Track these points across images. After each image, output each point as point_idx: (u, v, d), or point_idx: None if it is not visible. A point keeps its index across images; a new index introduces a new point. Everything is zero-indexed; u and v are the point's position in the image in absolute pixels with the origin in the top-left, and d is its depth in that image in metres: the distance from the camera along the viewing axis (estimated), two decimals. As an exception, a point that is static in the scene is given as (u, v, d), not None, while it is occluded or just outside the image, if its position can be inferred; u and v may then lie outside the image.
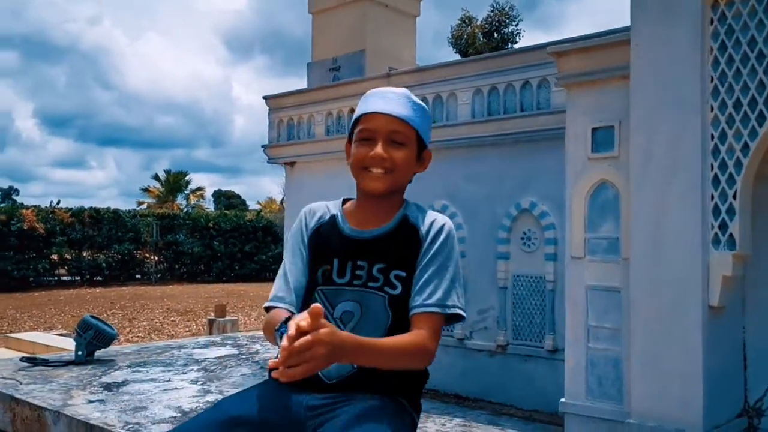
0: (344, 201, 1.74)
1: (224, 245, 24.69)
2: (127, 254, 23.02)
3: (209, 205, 37.77)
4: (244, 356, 4.26)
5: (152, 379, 3.51)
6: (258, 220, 26.11)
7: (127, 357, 4.13)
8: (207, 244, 24.31)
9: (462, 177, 3.12)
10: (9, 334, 10.48)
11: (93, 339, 3.87)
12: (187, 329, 13.27)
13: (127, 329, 13.78)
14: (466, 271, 3.08)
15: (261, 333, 5.80)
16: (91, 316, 4.00)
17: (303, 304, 1.72)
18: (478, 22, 24.72)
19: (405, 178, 1.62)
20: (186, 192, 35.77)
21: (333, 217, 1.73)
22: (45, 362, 3.79)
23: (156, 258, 24.35)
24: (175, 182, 35.22)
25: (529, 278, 2.94)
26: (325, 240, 1.71)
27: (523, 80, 2.94)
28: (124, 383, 3.39)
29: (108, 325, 4.05)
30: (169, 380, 3.50)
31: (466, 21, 24.95)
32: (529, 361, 2.92)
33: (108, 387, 3.30)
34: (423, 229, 1.61)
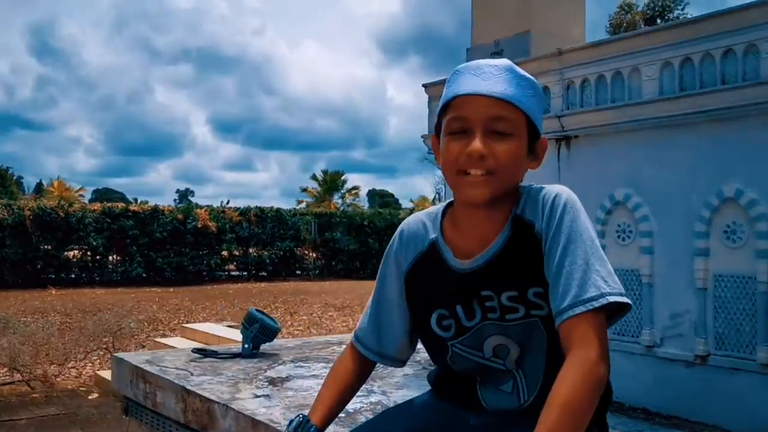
0: (447, 207, 1.43)
1: (378, 243, 25.15)
2: (288, 251, 24.10)
3: (363, 204, 38.68)
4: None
5: (314, 376, 3.46)
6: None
7: (290, 352, 4.14)
8: (362, 242, 24.88)
9: (648, 162, 2.75)
10: (185, 325, 11.25)
11: (258, 332, 3.91)
12: (344, 324, 13.58)
13: (289, 323, 14.34)
14: (655, 269, 2.72)
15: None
16: (257, 310, 4.05)
17: (435, 354, 1.48)
18: (639, 9, 23.22)
19: (514, 178, 1.29)
20: (342, 191, 36.91)
21: (433, 245, 1.43)
22: (215, 354, 3.88)
23: (314, 255, 25.27)
24: (331, 182, 36.47)
25: (735, 278, 2.52)
26: (429, 281, 1.43)
27: (724, 48, 2.52)
28: (288, 378, 3.37)
29: (272, 319, 4.08)
30: (331, 377, 3.44)
31: (626, 8, 23.54)
32: (736, 375, 2.51)
33: (273, 382, 3.28)
34: (537, 222, 1.29)
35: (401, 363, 1.57)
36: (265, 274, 23.94)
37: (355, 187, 37.68)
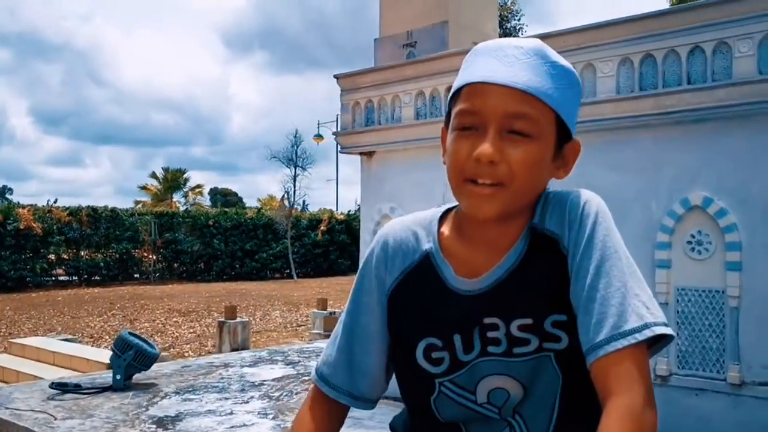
0: (444, 215, 1.17)
1: (224, 243, 24.47)
2: (126, 253, 22.58)
3: (206, 203, 37.28)
4: (305, 377, 3.67)
5: (210, 411, 2.92)
6: (258, 218, 25.87)
7: (170, 380, 3.54)
8: (207, 243, 24.09)
9: (604, 167, 2.54)
10: (12, 340, 9.89)
11: (133, 360, 3.27)
12: (191, 330, 12.78)
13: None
14: (612, 283, 2.51)
15: (305, 345, 5.22)
16: (130, 333, 3.40)
17: (415, 395, 1.20)
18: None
19: (532, 190, 1.04)
20: (184, 190, 35.26)
21: (427, 259, 1.16)
22: (77, 389, 3.19)
23: (154, 257, 23.97)
24: (173, 180, 34.73)
25: (700, 292, 2.37)
26: (420, 302, 1.16)
27: (691, 45, 2.36)
28: (178, 417, 2.80)
29: (148, 342, 3.46)
30: (231, 413, 2.92)
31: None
32: (701, 396, 2.35)
33: (161, 422, 2.71)
34: (563, 235, 1.06)
35: (373, 404, 1.24)
36: (99, 278, 22.20)
37: (198, 186, 36.16)
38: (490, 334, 1.07)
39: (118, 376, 3.27)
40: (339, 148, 3.35)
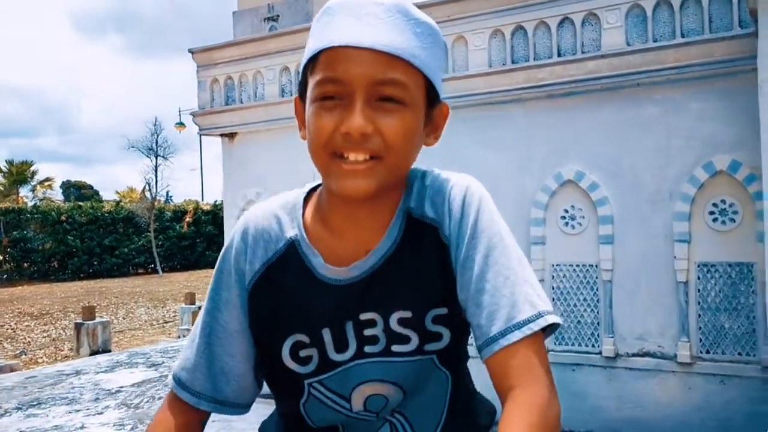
0: (308, 196, 1.07)
1: (80, 239, 23.15)
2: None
3: (59, 197, 34.89)
4: (167, 380, 3.39)
5: (57, 427, 2.59)
6: (117, 211, 24.67)
7: (12, 394, 3.13)
8: (60, 239, 22.70)
9: (476, 143, 2.47)
10: None
11: (-37, 376, 2.85)
12: (45, 334, 11.92)
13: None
14: (490, 262, 2.45)
15: (171, 343, 4.89)
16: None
17: (284, 397, 1.10)
18: None
19: (407, 162, 0.95)
20: (32, 184, 32.87)
21: (291, 247, 1.04)
22: None
23: (1, 257, 22.24)
24: (18, 174, 32.30)
25: (575, 267, 2.36)
26: (286, 295, 1.05)
27: (560, 16, 2.33)
28: (19, 438, 2.46)
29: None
30: (82, 427, 2.60)
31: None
32: (578, 370, 2.35)
33: (-3, 447, 2.36)
34: (445, 223, 0.98)
35: (244, 408, 1.13)
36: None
37: (48, 179, 33.77)
38: (368, 332, 0.99)
39: (-56, 396, 2.84)
40: (198, 130, 3.08)
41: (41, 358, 9.62)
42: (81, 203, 26.45)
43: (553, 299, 2.39)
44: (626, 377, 2.28)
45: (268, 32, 3.28)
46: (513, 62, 2.40)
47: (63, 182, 43.80)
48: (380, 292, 0.97)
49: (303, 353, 1.02)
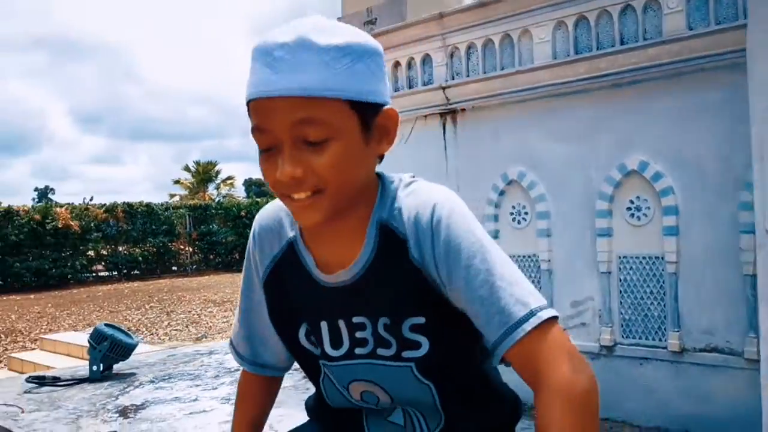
0: None
1: (259, 233, 24.71)
2: (162, 247, 23.05)
3: (240, 194, 37.66)
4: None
5: (177, 399, 2.96)
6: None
7: (151, 369, 3.60)
8: (240, 233, 24.39)
9: (543, 136, 2.47)
10: (45, 336, 10.22)
11: (109, 351, 3.34)
12: (225, 320, 13.01)
13: (166, 323, 13.51)
14: (554, 253, 2.45)
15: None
16: (107, 324, 3.47)
17: (309, 374, 1.19)
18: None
19: (355, 183, 0.98)
20: (216, 182, 35.70)
21: (291, 248, 1.14)
22: (55, 381, 3.28)
23: (191, 249, 24.39)
24: (205, 173, 35.21)
25: (642, 259, 2.29)
26: (291, 290, 1.16)
27: (622, 3, 2.27)
28: (143, 406, 2.85)
29: (126, 333, 3.52)
30: (196, 399, 2.95)
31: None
32: (645, 365, 2.29)
33: (124, 412, 2.76)
34: (411, 238, 1.00)
35: (282, 371, 1.27)
36: (138, 272, 22.73)
37: (230, 177, 36.56)
38: (359, 334, 1.06)
39: (95, 367, 3.34)
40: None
41: (218, 341, 10.58)
42: (259, 199, 28.38)
43: (620, 291, 2.33)
44: (693, 372, 2.17)
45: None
46: (576, 53, 2.38)
47: (245, 180, 47.30)
48: (365, 299, 1.02)
49: (313, 338, 1.10)
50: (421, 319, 1.00)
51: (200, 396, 3.01)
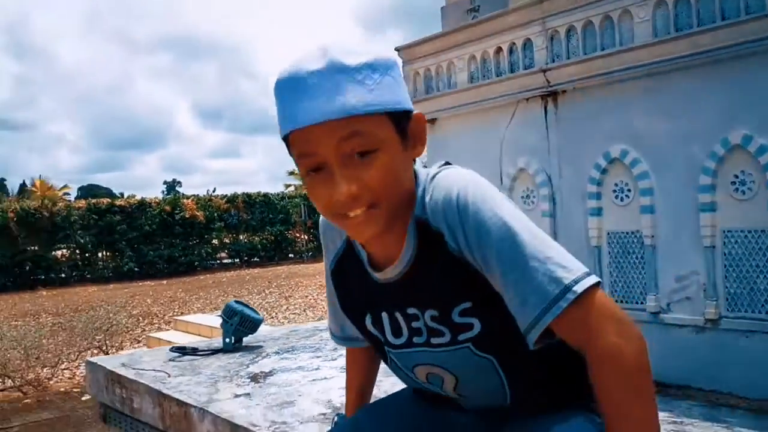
0: None
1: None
2: (279, 235, 24.01)
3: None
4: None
5: (300, 368, 3.25)
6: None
7: (276, 342, 3.92)
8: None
9: (644, 113, 2.51)
10: (178, 318, 11.06)
11: (239, 325, 3.69)
12: (340, 304, 13.45)
13: (284, 307, 14.19)
14: (658, 229, 2.50)
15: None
16: (236, 302, 3.82)
17: (380, 357, 1.28)
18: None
19: (401, 193, 1.01)
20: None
21: (349, 243, 1.19)
22: (194, 351, 3.66)
23: (306, 237, 25.19)
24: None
25: (747, 233, 2.30)
26: (354, 282, 1.21)
27: (722, -22, 2.28)
28: (271, 373, 3.15)
29: (253, 310, 3.86)
30: (317, 368, 3.22)
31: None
32: (751, 337, 2.30)
33: (255, 378, 3.07)
34: (446, 232, 1.02)
35: (365, 342, 1.36)
36: (258, 259, 23.86)
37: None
38: (414, 324, 1.11)
39: (227, 340, 3.69)
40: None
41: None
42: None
43: (725, 266, 2.35)
44: (801, 346, 2.16)
45: (469, 22, 3.58)
46: (677, 30, 2.40)
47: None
48: (413, 293, 1.08)
49: (378, 327, 1.19)
50: (468, 304, 1.04)
51: (321, 366, 3.27)
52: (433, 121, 3.33)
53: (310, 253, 24.93)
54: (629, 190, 2.55)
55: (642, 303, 2.54)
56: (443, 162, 1.08)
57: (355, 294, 1.21)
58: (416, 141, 1.03)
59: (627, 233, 2.55)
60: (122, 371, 3.27)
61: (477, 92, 3.09)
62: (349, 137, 0.93)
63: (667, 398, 2.37)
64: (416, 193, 1.04)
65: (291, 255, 24.99)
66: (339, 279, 1.25)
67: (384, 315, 1.15)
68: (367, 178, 0.95)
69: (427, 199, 1.03)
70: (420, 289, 1.07)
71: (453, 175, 1.03)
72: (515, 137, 2.95)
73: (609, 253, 2.55)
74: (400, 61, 3.51)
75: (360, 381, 1.42)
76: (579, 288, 0.92)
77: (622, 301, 2.57)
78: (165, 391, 2.89)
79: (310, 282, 17.76)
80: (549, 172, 2.77)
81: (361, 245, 1.15)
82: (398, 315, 1.13)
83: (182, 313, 12.82)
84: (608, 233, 2.55)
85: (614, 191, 2.60)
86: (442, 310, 1.07)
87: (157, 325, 12.79)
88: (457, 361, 1.10)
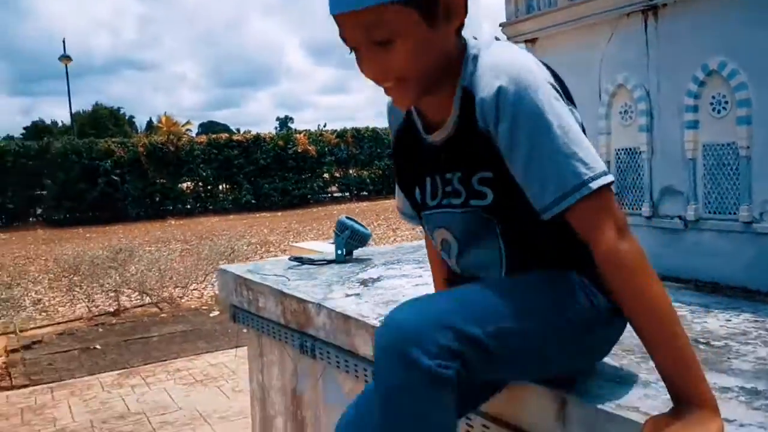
0: None
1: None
2: (387, 169, 24.37)
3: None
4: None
5: (404, 275, 3.53)
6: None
7: (383, 256, 4.23)
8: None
9: (744, 25, 2.51)
10: (293, 244, 11.73)
11: (349, 238, 4.01)
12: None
13: (392, 238, 14.62)
14: (754, 140, 2.53)
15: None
16: (347, 217, 4.14)
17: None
18: None
19: (432, 66, 1.11)
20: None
21: (409, 115, 1.34)
22: (310, 261, 4.02)
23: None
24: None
25: None
26: (408, 151, 1.36)
27: None
28: (378, 279, 3.46)
29: (362, 225, 4.16)
30: (420, 276, 3.49)
31: None
32: None
33: (364, 282, 3.38)
34: (478, 106, 1.11)
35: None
36: (366, 193, 24.43)
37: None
38: (446, 188, 1.27)
39: (339, 252, 4.03)
40: (506, 38, 3.60)
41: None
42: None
43: (822, 175, 2.36)
44: None
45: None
46: (781, -64, 2.36)
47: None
48: (451, 156, 1.24)
49: (417, 194, 1.40)
50: (489, 173, 1.18)
51: (423, 274, 3.54)
52: (534, 41, 3.41)
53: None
54: (726, 102, 2.58)
55: (735, 213, 2.60)
56: (495, 36, 1.20)
57: (410, 162, 1.38)
58: (449, 13, 1.09)
59: (722, 145, 2.60)
60: (248, 276, 3.68)
61: (577, 10, 3.14)
62: (367, 27, 1.05)
63: (755, 303, 2.45)
64: (463, 62, 1.15)
65: (399, 189, 25.37)
66: (397, 153, 1.43)
67: (428, 179, 1.33)
68: (387, 64, 1.09)
69: (476, 70, 1.12)
70: (456, 153, 1.22)
71: (506, 57, 1.11)
72: (615, 54, 3.00)
73: (704, 165, 2.62)
74: (501, -17, 3.59)
75: (441, 269, 1.61)
76: (594, 185, 1.06)
77: (715, 212, 2.64)
78: (286, 291, 3.26)
79: (418, 215, 17.99)
80: (647, 87, 2.82)
81: (416, 112, 1.31)
82: (438, 178, 1.30)
83: (297, 242, 13.53)
84: (704, 145, 2.61)
85: (711, 104, 2.64)
86: (465, 173, 1.22)
87: (273, 253, 13.61)
88: (464, 224, 1.25)
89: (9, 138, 32.16)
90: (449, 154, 1.24)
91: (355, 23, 1.06)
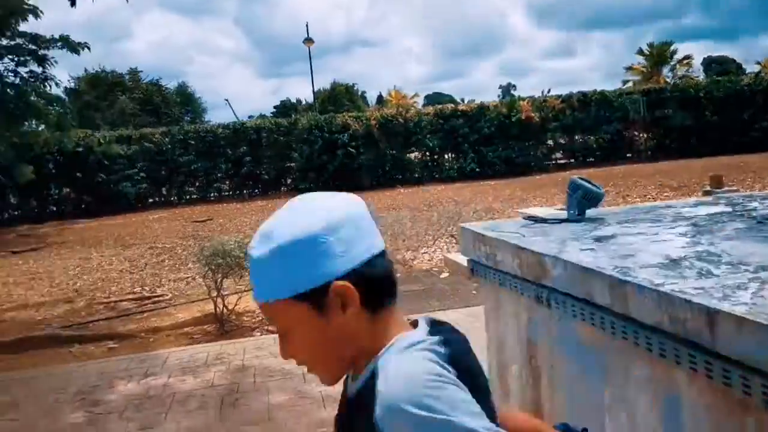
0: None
1: (716, 115, 22.93)
2: (616, 134, 23.37)
3: (698, 75, 35.04)
4: (738, 213, 3.98)
5: (640, 233, 3.60)
6: (756, 84, 23.33)
7: (617, 216, 4.30)
8: (697, 116, 23.02)
9: None
10: (519, 210, 11.90)
11: (582, 198, 4.14)
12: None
13: (621, 205, 14.14)
14: None
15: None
16: (579, 177, 4.27)
17: None
18: None
19: (332, 352, 1.08)
20: (672, 63, 33.88)
21: None
22: (543, 220, 4.24)
23: (645, 135, 24.11)
24: (659, 55, 33.71)
25: None
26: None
27: None
28: (613, 236, 3.57)
29: (595, 185, 4.27)
30: (656, 233, 3.55)
31: None
32: None
33: (598, 239, 3.53)
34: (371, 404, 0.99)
35: None
36: (593, 159, 23.66)
37: (687, 57, 34.12)
38: None
39: (572, 211, 4.19)
40: None
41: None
42: (719, 78, 26.14)
43: None
44: None
45: None
46: None
47: (704, 59, 43.49)
48: (347, 421, 1.12)
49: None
50: None
51: (660, 232, 3.59)
52: None
53: (649, 152, 23.84)
54: None
55: None
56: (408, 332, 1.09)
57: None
58: (343, 306, 1.04)
59: None
60: (486, 232, 4.00)
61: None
62: (270, 319, 1.12)
63: None
64: (387, 345, 1.06)
65: (628, 155, 24.16)
66: None
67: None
68: (291, 352, 1.10)
69: (384, 364, 1.02)
70: (349, 421, 1.12)
71: (402, 375, 0.97)
72: None
73: None
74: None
75: None
76: None
77: None
78: (522, 245, 3.53)
79: (649, 182, 17.19)
80: None
81: None
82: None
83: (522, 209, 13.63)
84: None
85: None
86: None
87: (498, 219, 13.87)
88: None
89: (262, 116, 35.90)
90: (346, 419, 1.16)
91: (265, 313, 1.11)
